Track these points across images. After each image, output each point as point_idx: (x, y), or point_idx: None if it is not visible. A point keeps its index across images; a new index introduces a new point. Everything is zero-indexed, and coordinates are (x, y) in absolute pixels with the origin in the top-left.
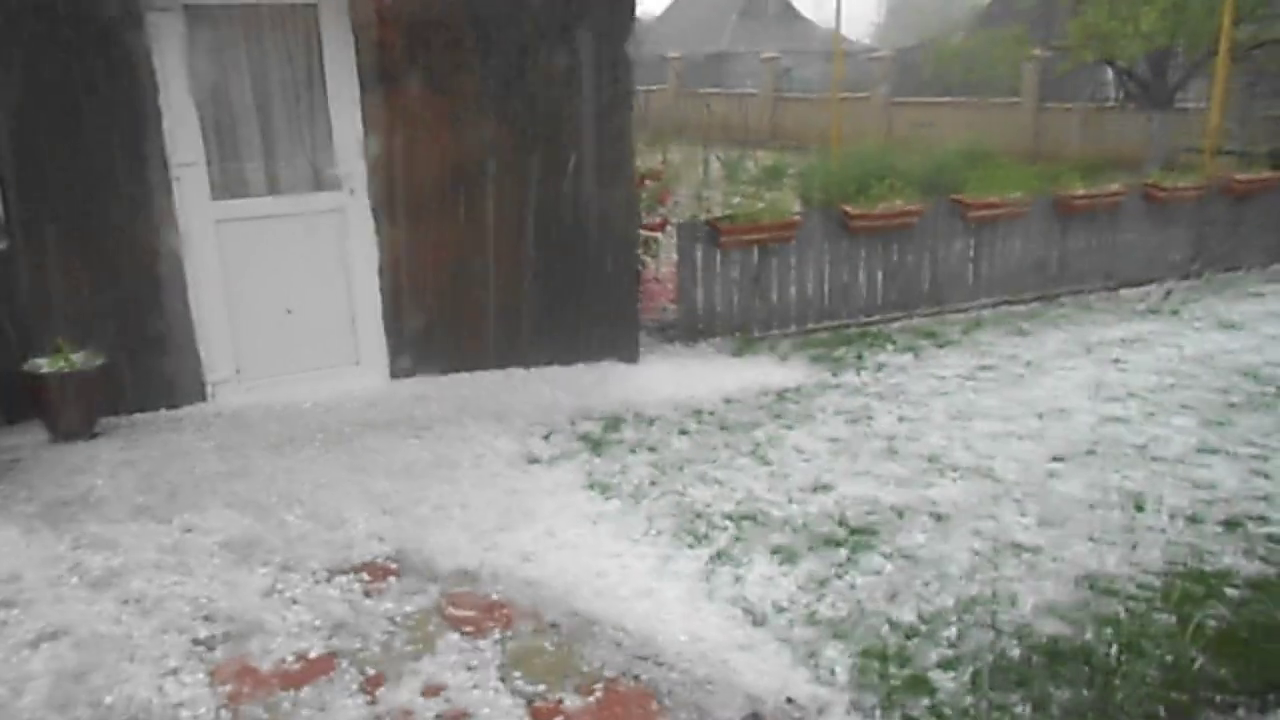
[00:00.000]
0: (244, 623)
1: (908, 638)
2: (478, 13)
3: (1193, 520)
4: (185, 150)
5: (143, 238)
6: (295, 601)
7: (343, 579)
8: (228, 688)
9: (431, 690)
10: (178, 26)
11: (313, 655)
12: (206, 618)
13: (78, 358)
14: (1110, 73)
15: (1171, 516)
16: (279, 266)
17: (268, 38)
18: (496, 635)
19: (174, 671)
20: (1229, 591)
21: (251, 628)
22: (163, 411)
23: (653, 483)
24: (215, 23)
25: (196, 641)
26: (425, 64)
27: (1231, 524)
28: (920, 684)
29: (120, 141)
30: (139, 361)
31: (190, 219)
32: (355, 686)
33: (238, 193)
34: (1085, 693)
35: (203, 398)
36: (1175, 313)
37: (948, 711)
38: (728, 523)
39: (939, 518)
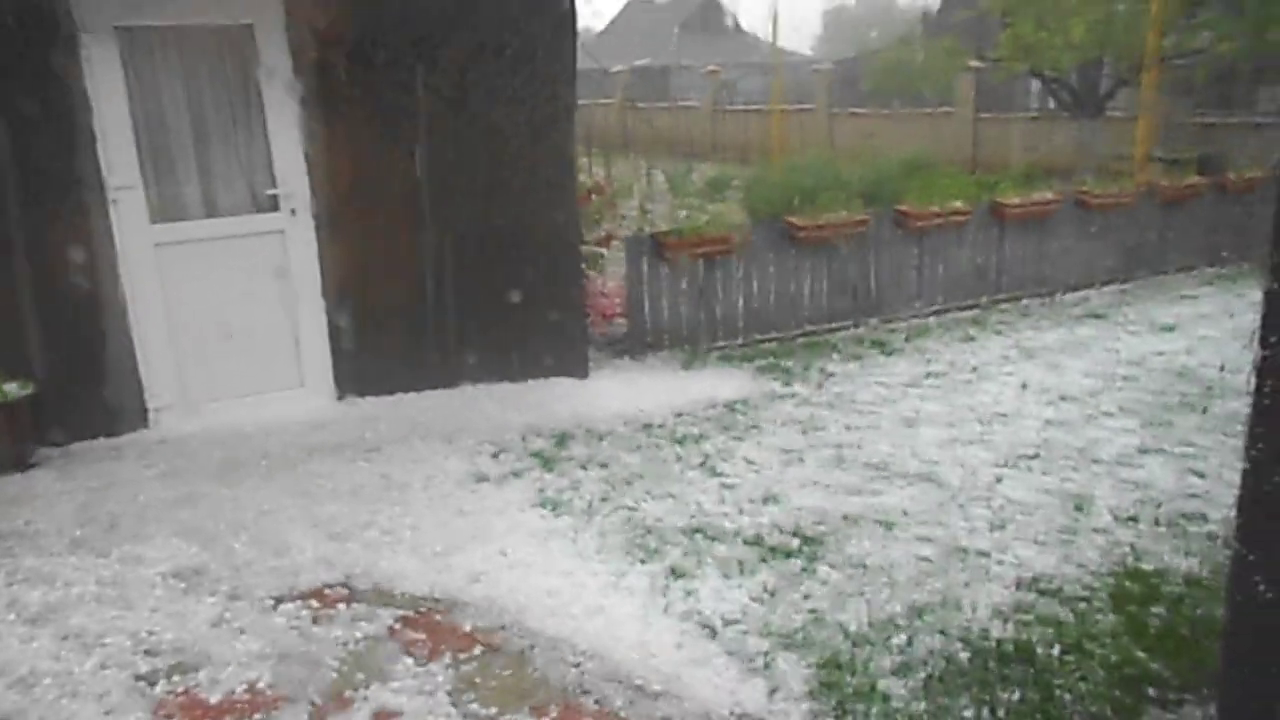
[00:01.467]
0: (189, 655)
1: (859, 646)
2: (418, 32)
3: (1132, 520)
4: (122, 173)
5: (79, 262)
6: (242, 631)
7: (291, 606)
8: None
9: (383, 717)
10: (110, 48)
11: (261, 685)
12: (149, 651)
13: (10, 387)
14: (1034, 84)
15: (1112, 517)
16: (221, 289)
17: (203, 59)
18: (449, 659)
19: (116, 709)
20: (1168, 590)
21: (197, 660)
22: (102, 440)
23: (604, 499)
24: (149, 44)
25: (139, 676)
26: (366, 83)
27: (1169, 523)
28: (872, 692)
29: (54, 165)
30: (77, 389)
31: (128, 242)
32: (305, 716)
33: (176, 215)
34: (1032, 694)
35: (144, 424)
36: (1106, 317)
37: (899, 718)
38: (680, 537)
39: (888, 525)
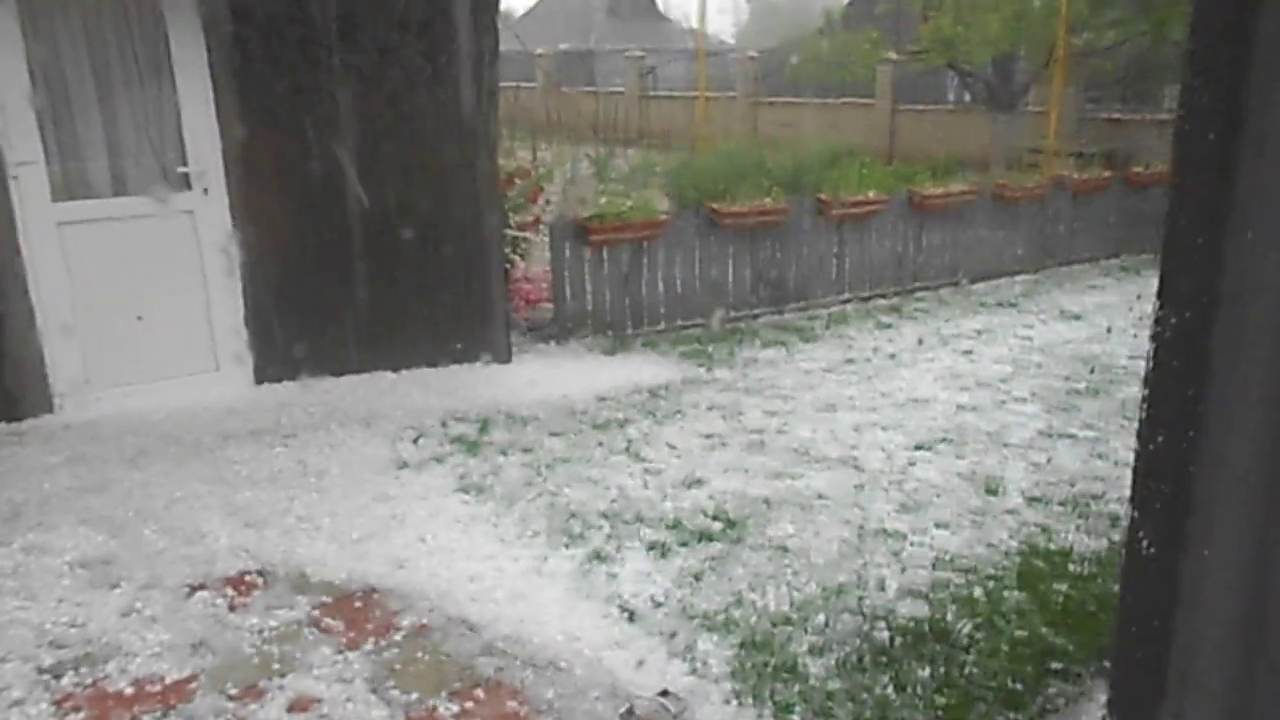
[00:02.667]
0: (98, 646)
1: (779, 626)
2: (337, 9)
3: (1040, 501)
4: (22, 148)
5: None
6: (154, 621)
7: (205, 595)
8: (80, 715)
9: (301, 705)
10: (10, 17)
11: (174, 676)
12: (55, 643)
13: None
14: (953, 77)
15: (1022, 498)
16: (131, 270)
17: (111, 32)
18: (369, 646)
19: (18, 702)
20: (1073, 568)
21: (107, 651)
22: (2, 425)
23: (527, 483)
24: (52, 15)
25: (43, 669)
26: (283, 61)
27: (1074, 504)
28: (792, 671)
29: None
30: None
31: (30, 221)
32: (220, 705)
33: (82, 193)
34: (944, 670)
35: (49, 409)
36: (1017, 305)
37: (817, 696)
38: (602, 521)
39: (807, 508)
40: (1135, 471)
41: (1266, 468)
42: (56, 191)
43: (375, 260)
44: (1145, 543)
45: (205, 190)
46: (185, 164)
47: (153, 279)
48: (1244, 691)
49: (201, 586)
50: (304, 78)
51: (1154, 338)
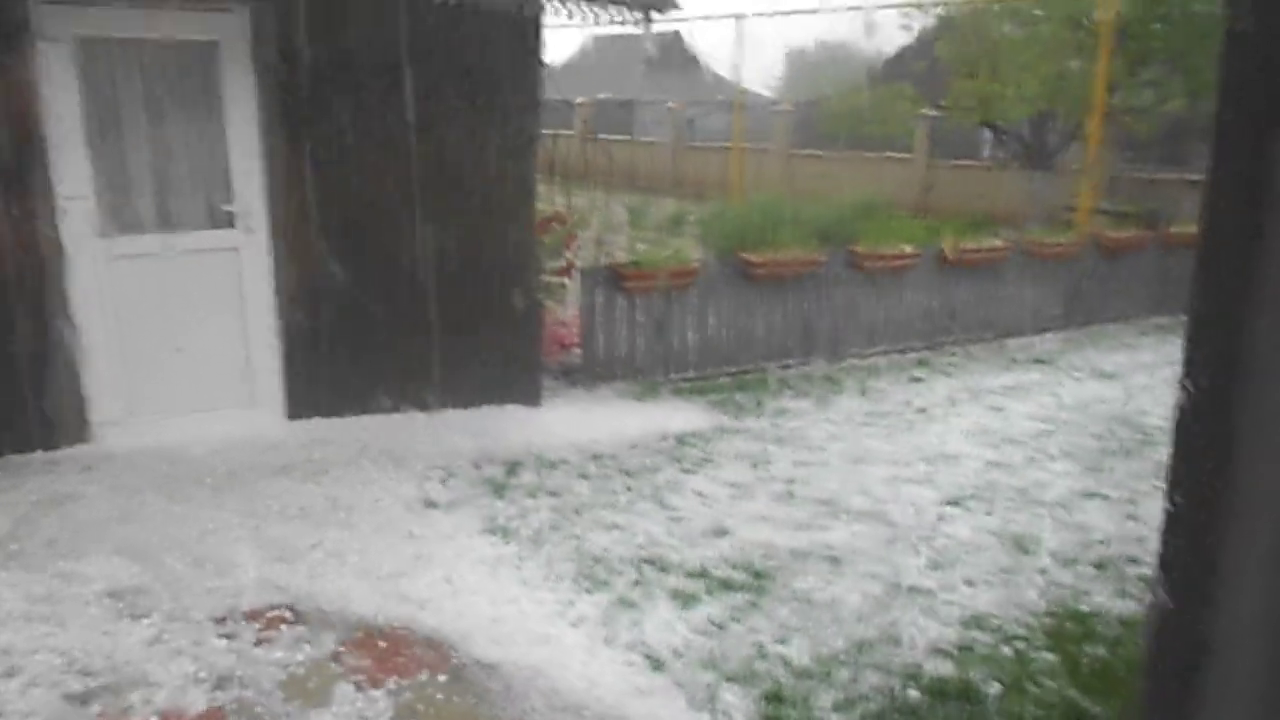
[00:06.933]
0: (123, 676)
1: (803, 680)
2: (383, 58)
3: (1071, 562)
4: (72, 183)
5: (25, 272)
6: (180, 652)
7: (232, 628)
8: None
9: None
10: (69, 57)
11: (198, 708)
12: (81, 671)
13: None
14: (988, 134)
15: (1052, 559)
16: (172, 304)
17: (166, 73)
18: (391, 685)
19: None
20: (1104, 630)
21: (131, 681)
22: (40, 453)
23: (553, 527)
24: (110, 55)
25: (69, 696)
26: (329, 106)
27: (1106, 565)
28: None
29: (3, 171)
30: (17, 400)
31: (77, 253)
32: None
33: (129, 228)
34: None
35: (86, 439)
36: (1049, 362)
37: None
38: (628, 568)
39: (834, 561)
40: (1162, 528)
41: None
42: (104, 225)
43: (410, 303)
44: (1167, 600)
45: (249, 229)
46: (230, 202)
47: (193, 313)
48: None
49: (229, 620)
50: (349, 123)
51: (1179, 400)
